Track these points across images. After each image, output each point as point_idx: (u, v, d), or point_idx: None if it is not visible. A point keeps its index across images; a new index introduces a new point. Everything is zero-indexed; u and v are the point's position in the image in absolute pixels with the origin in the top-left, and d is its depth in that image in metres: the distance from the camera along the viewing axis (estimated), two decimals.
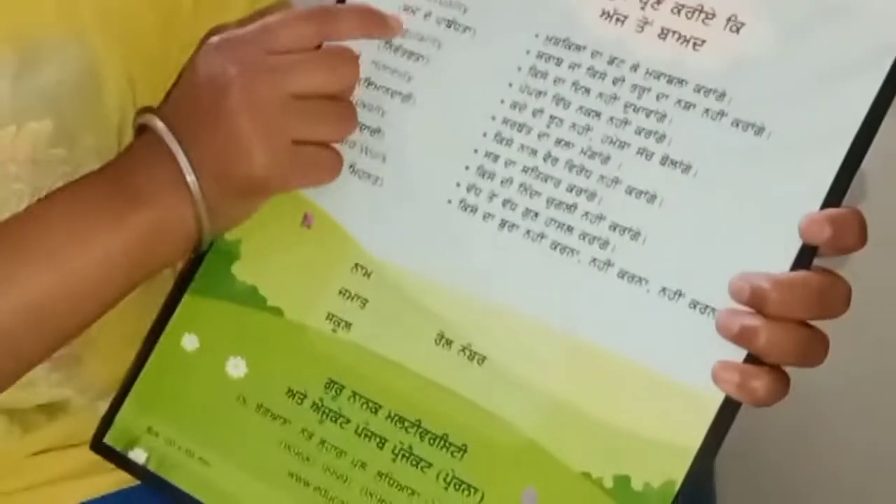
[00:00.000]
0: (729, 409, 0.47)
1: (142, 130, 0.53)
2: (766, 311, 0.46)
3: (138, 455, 0.54)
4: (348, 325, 0.53)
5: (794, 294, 0.46)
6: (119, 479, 0.56)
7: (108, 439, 0.55)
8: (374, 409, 0.52)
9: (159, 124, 0.51)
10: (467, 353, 0.51)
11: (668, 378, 0.48)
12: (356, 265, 0.54)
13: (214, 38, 0.53)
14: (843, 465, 0.92)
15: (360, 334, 0.53)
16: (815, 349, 0.47)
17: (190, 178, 0.51)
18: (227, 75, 0.51)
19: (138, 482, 0.55)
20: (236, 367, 0.54)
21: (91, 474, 0.58)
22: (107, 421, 0.55)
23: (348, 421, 0.52)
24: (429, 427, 0.51)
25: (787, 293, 0.46)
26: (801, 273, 0.46)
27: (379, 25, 0.55)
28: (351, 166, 0.55)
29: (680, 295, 0.48)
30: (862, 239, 0.47)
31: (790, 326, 0.46)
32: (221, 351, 0.54)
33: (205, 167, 0.51)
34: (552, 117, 0.52)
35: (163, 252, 0.53)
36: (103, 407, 0.56)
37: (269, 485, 0.52)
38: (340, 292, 0.54)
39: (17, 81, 0.53)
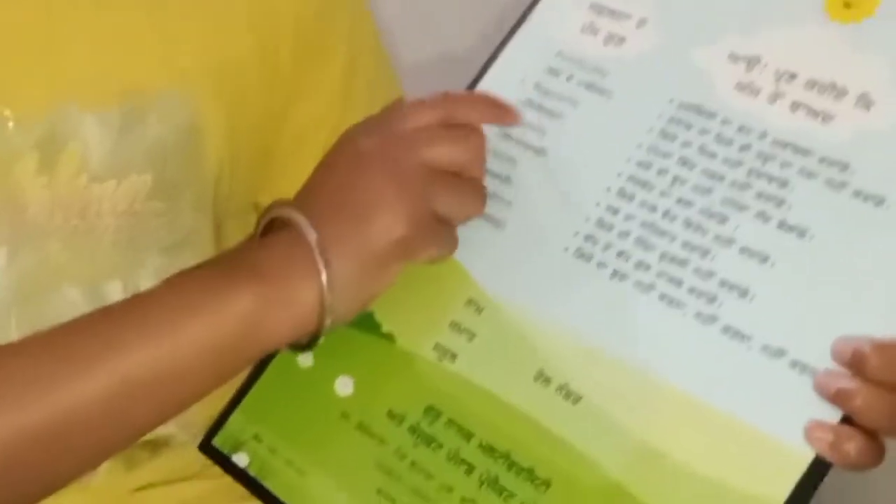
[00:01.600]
0: (818, 469, 0.46)
1: (272, 223, 0.52)
2: (865, 375, 0.45)
3: (241, 459, 0.57)
4: (454, 357, 0.55)
5: (894, 360, 0.45)
6: None
7: (216, 441, 0.58)
8: (466, 437, 0.52)
9: (299, 216, 0.51)
10: (564, 391, 0.51)
11: (760, 432, 0.47)
12: (470, 300, 0.55)
13: (348, 130, 0.55)
14: None
15: (464, 366, 0.54)
16: None
17: (322, 269, 0.50)
18: (364, 152, 0.52)
19: None
20: (344, 386, 0.56)
21: None
22: (217, 424, 0.58)
23: (441, 446, 0.53)
24: (517, 459, 0.51)
25: (888, 358, 0.45)
26: None
27: (499, 114, 0.57)
28: None
29: (781, 353, 0.48)
30: None
31: (888, 393, 0.45)
32: (333, 370, 0.56)
33: (343, 246, 0.51)
34: (676, 177, 0.54)
35: (275, 327, 0.51)
36: None
37: (358, 499, 0.53)
38: (451, 325, 0.55)
39: (121, 137, 0.54)
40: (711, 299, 0.51)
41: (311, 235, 0.50)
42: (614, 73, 0.57)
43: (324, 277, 0.50)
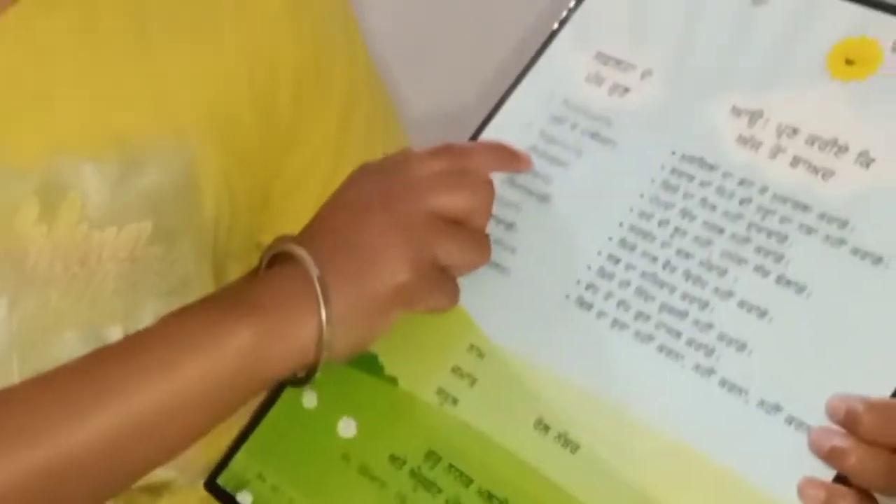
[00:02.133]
0: None
1: (275, 258, 0.53)
2: (859, 434, 0.46)
3: (245, 497, 0.57)
4: (455, 401, 0.55)
5: (889, 420, 0.46)
6: None
7: (220, 480, 0.58)
8: (466, 483, 0.53)
9: (302, 252, 0.51)
10: (562, 440, 0.52)
11: (756, 488, 0.48)
12: (472, 346, 0.56)
13: (355, 171, 0.55)
14: None
15: (465, 411, 0.55)
16: None
17: (322, 306, 0.50)
18: (370, 196, 0.53)
19: None
20: (347, 428, 0.57)
21: None
22: (222, 463, 0.59)
23: (440, 491, 0.53)
24: None
25: (882, 418, 0.46)
26: None
27: (510, 161, 0.57)
28: None
29: (777, 409, 0.49)
30: None
31: (882, 452, 0.46)
32: (337, 411, 0.57)
33: (345, 287, 0.51)
34: (676, 229, 0.54)
35: (273, 362, 0.51)
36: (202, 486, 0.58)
37: None
38: (453, 370, 0.56)
39: (119, 185, 0.54)
40: (710, 352, 0.51)
41: (314, 271, 0.51)
42: (618, 122, 0.58)
43: (323, 313, 0.50)
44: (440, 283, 0.54)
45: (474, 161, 0.56)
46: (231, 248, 0.59)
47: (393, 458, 0.55)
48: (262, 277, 0.53)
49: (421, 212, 0.53)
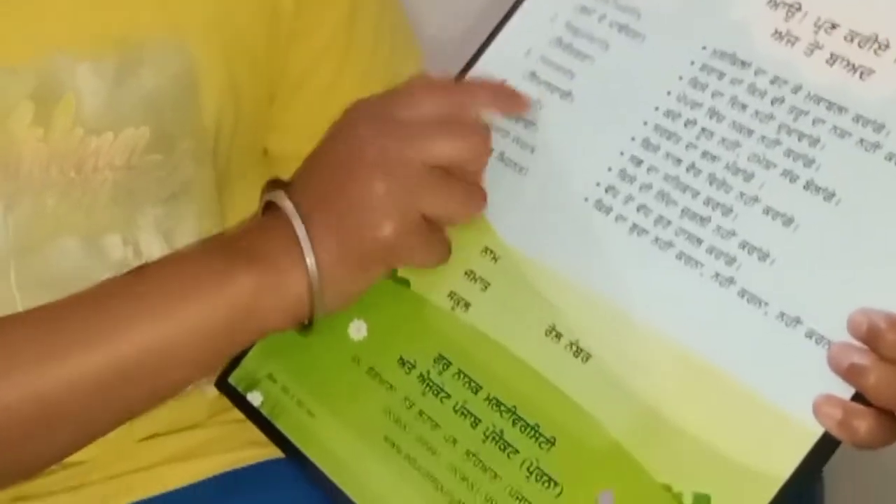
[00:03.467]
0: (826, 446, 0.44)
1: (269, 205, 0.53)
2: (880, 351, 0.44)
3: (255, 397, 0.57)
4: (467, 305, 0.54)
5: None
6: (223, 462, 0.57)
7: (231, 379, 0.58)
8: (474, 390, 0.52)
9: (287, 204, 0.51)
10: (574, 348, 0.50)
11: (770, 403, 0.46)
12: (486, 249, 0.54)
13: (349, 110, 0.53)
14: None
15: (477, 315, 0.53)
16: None
17: (309, 259, 0.50)
18: (361, 142, 0.51)
19: (242, 465, 0.56)
20: (358, 330, 0.55)
21: (199, 456, 0.58)
22: (234, 362, 0.58)
23: (449, 396, 0.52)
24: (523, 415, 0.50)
25: None
26: None
27: (510, 102, 0.54)
28: (500, 154, 0.55)
29: (798, 322, 0.46)
30: None
31: None
32: (348, 313, 0.56)
33: (329, 238, 0.51)
34: (703, 129, 0.51)
35: (268, 314, 0.51)
36: (211, 390, 0.58)
37: (364, 444, 0.53)
38: (466, 273, 0.54)
39: (116, 89, 0.52)
40: (730, 261, 0.49)
41: (300, 228, 0.50)
42: (648, 14, 0.55)
43: (312, 267, 0.50)
44: (426, 240, 0.52)
45: (472, 102, 0.53)
46: (234, 154, 0.58)
47: (402, 362, 0.54)
48: (257, 226, 0.53)
49: (411, 162, 0.51)
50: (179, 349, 0.50)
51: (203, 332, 0.50)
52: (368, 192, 0.50)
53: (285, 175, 0.56)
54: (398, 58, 0.61)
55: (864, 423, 0.43)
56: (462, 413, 0.52)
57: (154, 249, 0.55)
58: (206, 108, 0.55)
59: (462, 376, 0.52)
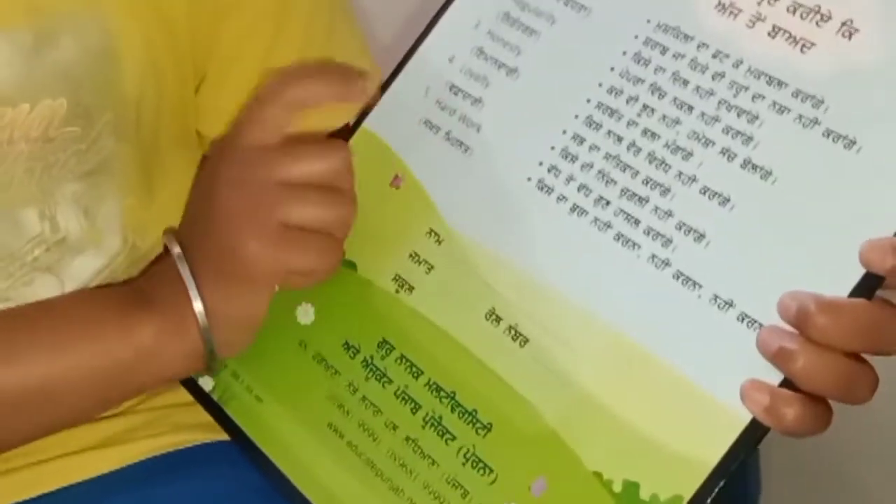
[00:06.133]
0: (754, 432, 0.43)
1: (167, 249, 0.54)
2: (809, 335, 0.42)
3: (206, 382, 0.57)
4: (411, 289, 0.53)
5: (841, 322, 0.42)
6: (154, 446, 0.57)
7: None
8: (416, 375, 0.51)
9: (175, 248, 0.53)
10: (512, 332, 0.50)
11: (700, 389, 0.45)
12: (430, 230, 0.54)
13: (217, 141, 0.55)
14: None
15: (420, 299, 0.53)
16: (858, 385, 0.42)
17: (196, 303, 0.52)
18: (227, 171, 0.53)
19: (172, 449, 0.57)
20: (305, 314, 0.55)
21: (130, 441, 0.58)
22: None
23: (390, 381, 0.52)
24: (461, 400, 0.50)
25: (833, 319, 0.42)
26: (853, 301, 0.42)
27: (344, 92, 0.54)
28: (447, 133, 0.55)
29: (730, 305, 0.46)
30: None
31: (832, 356, 0.42)
32: (296, 296, 0.55)
33: (210, 271, 0.52)
34: (645, 106, 0.50)
35: (170, 359, 0.53)
36: None
37: (309, 431, 0.53)
38: (411, 255, 0.54)
39: (32, 58, 0.51)
40: (667, 242, 0.48)
41: (185, 270, 0.52)
42: None
43: (199, 310, 0.52)
44: (301, 248, 0.52)
45: (313, 92, 0.53)
46: (162, 133, 0.57)
47: (347, 346, 0.54)
48: (159, 270, 0.54)
49: (266, 179, 0.52)
50: (73, 386, 0.52)
51: (102, 372, 0.52)
52: (226, 212, 0.51)
53: None
54: (339, 36, 0.60)
55: (791, 409, 0.42)
56: (403, 399, 0.51)
57: (72, 225, 0.55)
58: (126, 81, 0.54)
59: (404, 361, 0.52)
